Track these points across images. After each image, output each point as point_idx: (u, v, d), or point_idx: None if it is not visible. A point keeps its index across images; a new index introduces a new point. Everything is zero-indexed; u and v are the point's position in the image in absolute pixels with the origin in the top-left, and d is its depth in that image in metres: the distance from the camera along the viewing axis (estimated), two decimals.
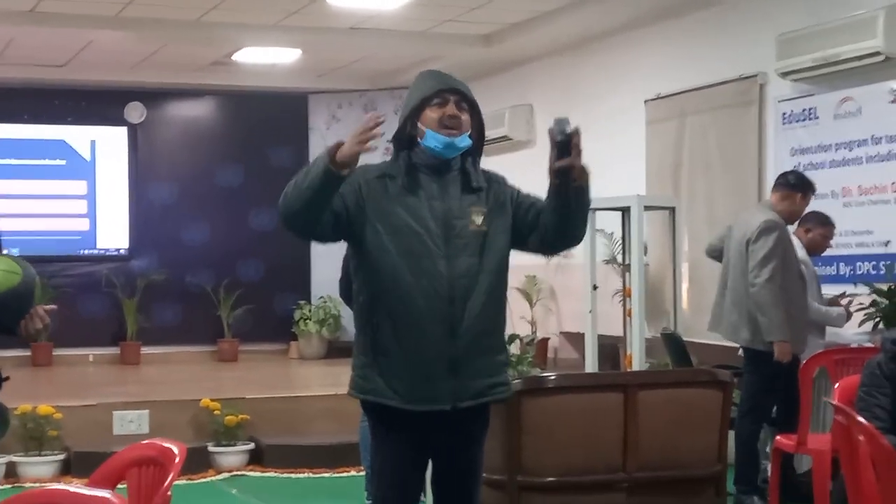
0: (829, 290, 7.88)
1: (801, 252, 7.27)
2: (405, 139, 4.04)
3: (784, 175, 7.39)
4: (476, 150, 4.07)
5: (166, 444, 3.54)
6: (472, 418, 4.03)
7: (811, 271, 7.40)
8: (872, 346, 6.75)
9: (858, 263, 8.42)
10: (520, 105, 12.43)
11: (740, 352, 7.40)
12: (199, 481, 8.57)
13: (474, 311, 3.91)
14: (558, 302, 12.07)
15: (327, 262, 12.99)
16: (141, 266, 13.95)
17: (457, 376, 3.91)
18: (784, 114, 9.03)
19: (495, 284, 3.98)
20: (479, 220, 3.96)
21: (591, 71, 11.47)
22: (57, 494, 3.35)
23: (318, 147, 14.30)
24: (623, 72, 10.97)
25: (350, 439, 8.12)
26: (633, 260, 9.47)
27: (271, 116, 14.01)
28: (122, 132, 14.03)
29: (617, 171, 9.86)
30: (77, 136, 13.91)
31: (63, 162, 13.89)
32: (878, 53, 7.99)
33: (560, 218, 3.94)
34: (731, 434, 6.58)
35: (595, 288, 9.74)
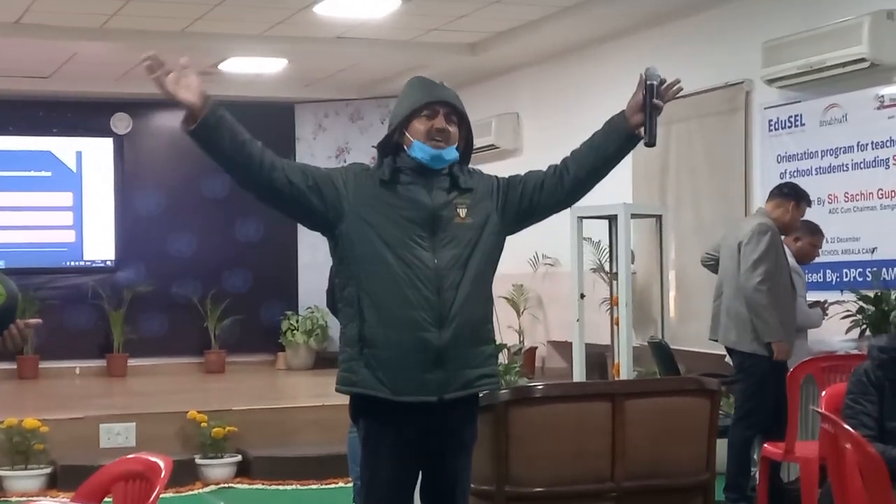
0: (815, 298, 7.88)
1: (791, 260, 7.29)
2: (391, 146, 4.03)
3: (779, 185, 7.44)
4: (464, 158, 4.08)
5: (152, 458, 3.52)
6: (462, 419, 4.02)
7: (801, 279, 7.41)
8: (859, 353, 6.76)
9: (845, 270, 8.43)
10: (506, 113, 12.43)
11: (726, 359, 7.41)
12: (186, 494, 8.55)
13: (460, 302, 3.92)
14: (545, 311, 12.06)
15: (314, 272, 13.01)
16: (127, 277, 13.91)
17: (443, 367, 3.91)
18: (770, 121, 9.04)
19: (482, 276, 3.99)
20: (463, 212, 3.98)
21: (577, 79, 11.48)
22: None
23: (304, 156, 14.32)
24: (609, 79, 10.95)
25: (338, 450, 8.10)
26: (621, 268, 9.47)
27: (258, 126, 13.64)
28: (108, 143, 13.99)
29: (603, 180, 9.84)
30: (63, 147, 13.88)
31: (49, 173, 13.85)
32: (863, 60, 8.01)
33: (603, 161, 4.12)
34: (720, 442, 6.58)
35: (582, 296, 9.74)
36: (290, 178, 3.91)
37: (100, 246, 13.98)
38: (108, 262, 14.00)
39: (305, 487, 8.74)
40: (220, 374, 13.56)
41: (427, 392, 3.91)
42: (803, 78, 8.53)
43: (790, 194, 7.20)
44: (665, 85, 4.01)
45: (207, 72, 12.69)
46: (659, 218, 9.81)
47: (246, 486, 8.85)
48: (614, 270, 9.71)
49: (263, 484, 8.85)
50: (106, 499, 3.63)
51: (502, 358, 9.41)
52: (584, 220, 9.53)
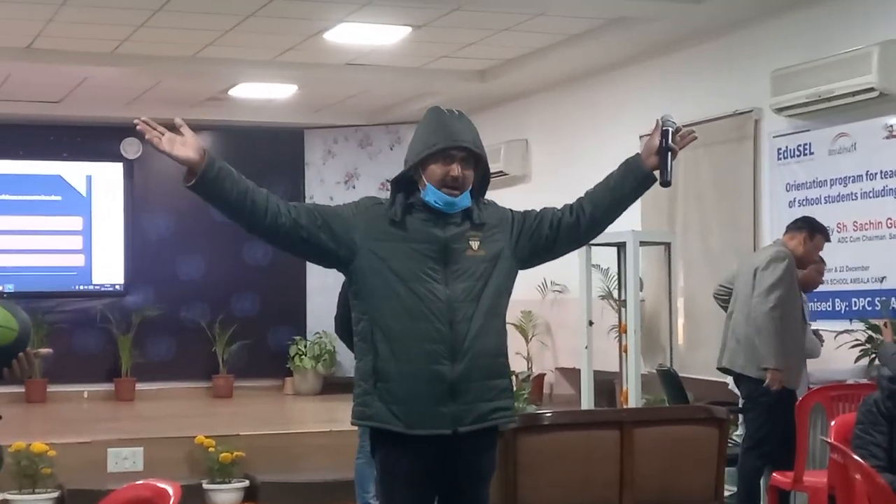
0: (824, 326, 7.88)
1: None
2: (405, 181, 4.02)
3: (796, 218, 7.46)
4: (480, 190, 4.07)
5: (161, 485, 3.51)
6: (478, 449, 4.02)
7: (806, 308, 7.42)
8: (869, 382, 6.75)
9: (854, 299, 8.42)
10: (515, 140, 12.45)
11: (730, 386, 7.40)
12: None
13: (473, 334, 3.92)
14: (554, 337, 12.05)
15: (323, 297, 13.01)
16: (136, 301, 13.93)
17: (456, 400, 3.91)
18: (779, 149, 9.05)
19: (495, 308, 3.99)
20: (476, 245, 3.97)
21: (586, 106, 11.50)
22: None
23: (313, 182, 14.36)
24: (618, 107, 10.99)
25: (346, 476, 8.08)
26: (629, 295, 9.46)
27: (267, 151, 14.00)
28: (118, 168, 14.04)
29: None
30: (73, 171, 13.92)
31: (59, 198, 13.89)
32: (872, 89, 8.02)
33: (618, 201, 4.11)
34: (728, 471, 6.56)
35: (591, 324, 9.73)
36: (298, 222, 3.91)
37: (109, 270, 14.01)
38: (117, 286, 14.02)
39: None
40: (227, 399, 13.55)
41: (441, 425, 3.91)
42: (812, 107, 8.54)
43: (803, 227, 7.22)
44: (680, 133, 4.02)
45: (217, 97, 12.76)
46: (668, 245, 9.81)
47: None
48: (623, 298, 9.70)
49: None
50: None
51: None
52: (593, 247, 9.53)
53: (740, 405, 7.26)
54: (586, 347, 9.73)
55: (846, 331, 7.85)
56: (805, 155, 8.83)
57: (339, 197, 13.92)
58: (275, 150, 14.19)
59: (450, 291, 3.91)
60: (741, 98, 9.38)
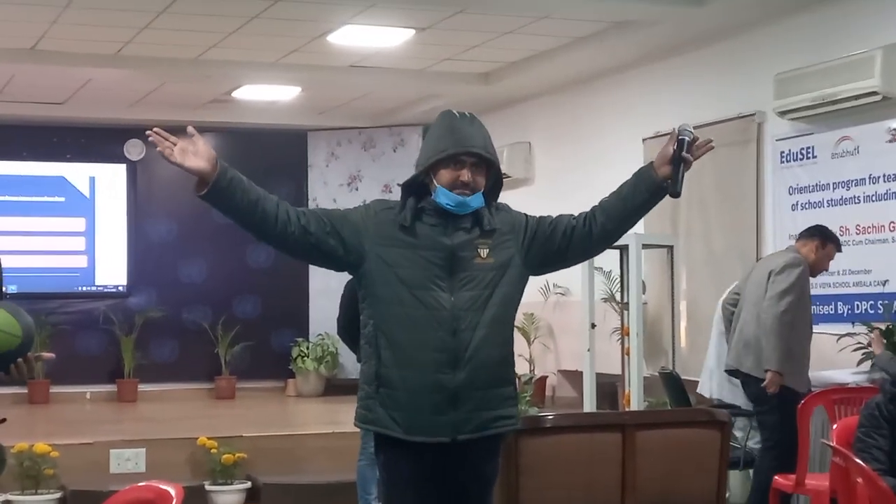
0: (827, 330, 7.88)
1: None
2: (416, 185, 4.02)
3: (810, 226, 7.50)
4: (492, 194, 4.06)
5: (164, 486, 3.52)
6: (481, 455, 4.02)
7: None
8: (870, 385, 6.75)
9: (856, 303, 8.42)
10: (518, 143, 12.46)
11: (718, 393, 7.42)
12: None
13: (476, 343, 3.91)
14: (556, 340, 12.05)
15: (325, 299, 13.00)
16: (139, 303, 13.94)
17: (457, 408, 3.91)
18: (782, 152, 9.05)
19: (500, 317, 3.98)
20: (484, 252, 3.96)
21: (589, 109, 11.51)
22: None
23: (316, 184, 14.35)
24: (621, 110, 11.00)
25: (348, 478, 8.09)
26: (632, 298, 9.46)
27: (271, 153, 14.00)
28: (121, 169, 14.05)
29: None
30: (76, 173, 13.94)
31: (62, 199, 13.91)
32: (875, 93, 8.02)
33: (630, 212, 4.04)
34: (731, 473, 6.57)
35: (593, 326, 9.73)
36: (307, 229, 3.92)
37: (112, 271, 14.02)
38: (120, 288, 14.03)
39: None
40: (230, 401, 13.56)
41: (440, 433, 3.91)
42: (815, 110, 8.54)
43: (816, 235, 7.27)
44: (696, 143, 3.97)
45: (221, 99, 12.77)
46: (670, 248, 9.81)
47: None
48: (625, 300, 9.71)
49: None
50: None
51: None
52: None
53: (745, 407, 7.28)
54: (588, 350, 9.73)
55: (848, 334, 7.85)
56: (808, 158, 8.83)
57: (342, 199, 13.93)
58: (278, 152, 14.20)
59: (454, 300, 3.90)
60: (744, 101, 9.38)
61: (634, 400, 9.29)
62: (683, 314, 9.96)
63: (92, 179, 14.01)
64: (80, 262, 13.95)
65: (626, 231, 4.17)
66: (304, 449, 9.58)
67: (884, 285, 8.20)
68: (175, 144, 3.78)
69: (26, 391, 12.78)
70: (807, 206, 8.80)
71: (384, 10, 9.25)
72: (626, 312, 9.70)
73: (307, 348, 13.93)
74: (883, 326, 7.62)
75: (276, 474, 9.21)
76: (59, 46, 10.38)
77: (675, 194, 3.99)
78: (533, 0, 9.07)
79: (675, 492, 5.64)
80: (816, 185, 8.75)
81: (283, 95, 12.70)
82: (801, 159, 8.90)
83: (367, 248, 3.95)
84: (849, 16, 8.53)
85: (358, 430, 4.18)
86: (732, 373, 7.36)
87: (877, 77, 7.96)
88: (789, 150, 8.99)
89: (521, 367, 11.54)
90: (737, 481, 7.73)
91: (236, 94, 12.49)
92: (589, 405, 9.71)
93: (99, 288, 13.97)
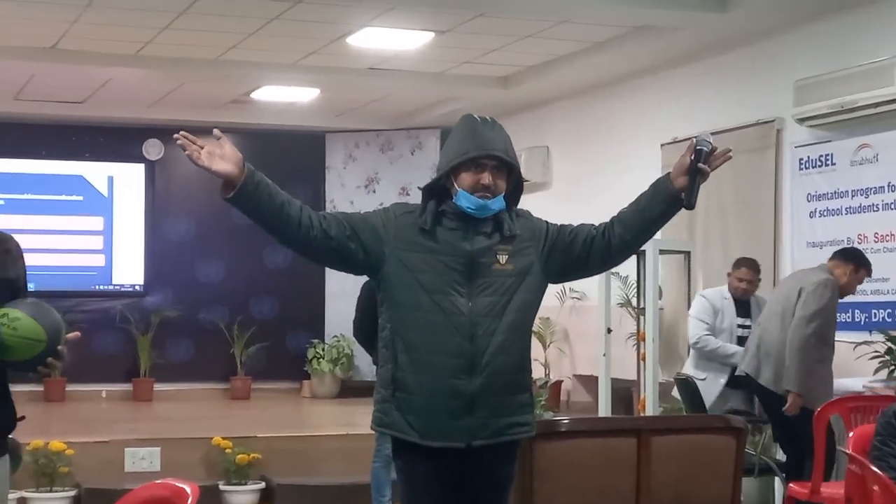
0: (844, 338, 7.85)
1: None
2: (437, 189, 4.02)
3: (843, 248, 7.55)
4: (513, 198, 4.06)
5: (179, 484, 3.53)
6: (497, 461, 4.02)
7: None
8: (888, 394, 6.73)
9: (874, 311, 8.39)
10: (536, 147, 12.45)
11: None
12: None
13: (494, 349, 3.91)
14: (572, 345, 12.04)
15: (342, 301, 13.02)
16: (155, 302, 13.97)
17: (473, 414, 3.91)
18: (801, 159, 9.03)
19: (518, 324, 3.97)
20: (504, 259, 3.95)
21: (607, 114, 11.50)
22: None
23: (334, 186, 14.37)
24: (640, 115, 10.99)
25: (362, 480, 8.10)
26: (648, 303, 9.43)
27: (289, 154, 14.01)
28: (139, 169, 14.09)
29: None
30: (95, 172, 13.99)
31: (80, 198, 13.96)
32: (895, 101, 8.00)
33: (648, 224, 4.03)
34: (745, 480, 6.56)
35: (609, 331, 9.71)
36: (328, 233, 3.92)
37: (129, 270, 14.07)
38: (137, 287, 14.07)
39: None
40: (245, 401, 13.58)
41: (455, 438, 3.92)
42: (835, 117, 8.52)
43: (851, 259, 7.26)
44: (715, 153, 3.94)
45: (240, 100, 12.79)
46: (687, 254, 9.79)
47: None
48: (641, 306, 9.67)
49: None
50: None
51: None
52: None
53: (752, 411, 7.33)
54: (604, 355, 9.71)
55: (865, 342, 7.83)
56: (827, 165, 8.81)
57: (359, 201, 13.94)
58: (296, 153, 14.22)
59: (473, 305, 3.90)
60: (763, 107, 9.36)
61: (649, 405, 9.26)
62: None
63: (110, 179, 14.06)
64: (98, 260, 13.99)
65: (644, 242, 4.17)
66: (318, 450, 9.59)
67: None
68: (202, 147, 3.76)
69: (42, 389, 12.83)
70: (825, 213, 8.78)
71: (404, 13, 9.26)
72: (642, 318, 9.66)
73: (323, 350, 13.94)
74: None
75: (291, 475, 9.22)
76: (79, 46, 10.42)
77: (690, 206, 3.97)
78: (553, 4, 9.06)
79: (690, 498, 5.63)
80: (835, 192, 8.73)
81: (302, 97, 12.72)
82: (819, 166, 8.88)
83: (387, 252, 3.95)
84: (869, 23, 8.51)
85: (372, 432, 4.19)
86: (744, 379, 7.38)
87: None
88: (808, 157, 8.97)
89: (536, 372, 11.50)
90: (751, 488, 7.70)
91: (255, 95, 12.51)
92: (604, 410, 9.69)
93: (116, 287, 14.01)
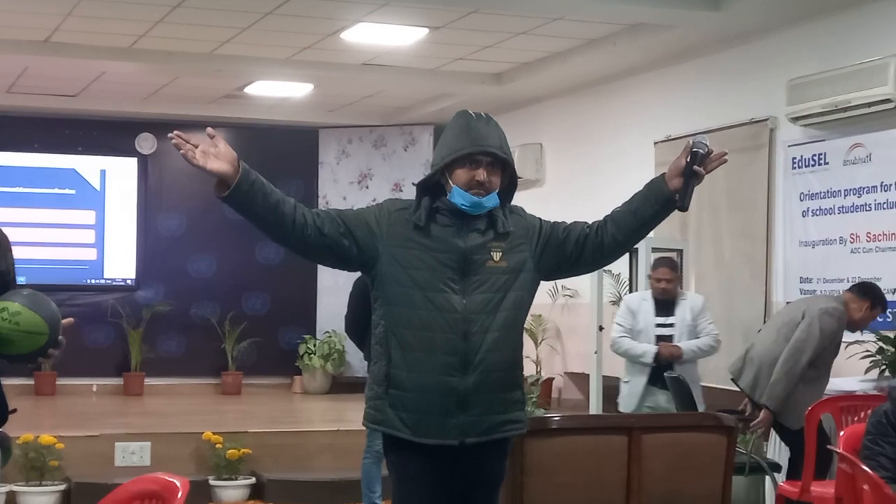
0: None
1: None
2: (431, 185, 4.01)
3: (862, 283, 7.47)
4: (506, 195, 4.06)
5: (169, 479, 3.52)
6: (488, 458, 4.03)
7: None
8: (878, 393, 6.74)
9: None
10: (529, 144, 12.45)
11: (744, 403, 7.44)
12: None
13: (487, 347, 3.91)
14: (563, 342, 12.04)
15: (333, 296, 13.02)
16: (147, 297, 13.96)
17: (466, 412, 3.91)
18: (794, 158, 9.04)
19: (512, 321, 3.97)
20: (497, 256, 3.95)
21: (601, 112, 11.50)
22: None
23: (326, 181, 14.35)
24: (633, 113, 10.99)
25: (352, 476, 8.10)
26: None
27: (282, 150, 13.99)
28: (132, 163, 14.07)
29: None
30: (87, 165, 13.96)
31: (73, 191, 13.93)
32: (888, 100, 8.01)
33: (641, 224, 4.02)
34: (735, 479, 6.57)
35: (601, 329, 9.71)
36: (321, 231, 3.91)
37: (121, 264, 14.05)
38: (129, 281, 14.06)
39: None
40: (236, 396, 13.55)
41: (448, 436, 3.92)
42: (828, 117, 8.53)
43: (868, 295, 7.18)
44: (711, 156, 3.93)
45: (233, 95, 12.78)
46: (679, 252, 9.79)
47: None
48: None
49: None
50: None
51: None
52: None
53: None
54: (596, 352, 9.72)
55: (856, 342, 7.83)
56: (820, 164, 8.82)
57: (352, 197, 13.94)
58: (289, 148, 14.20)
59: (467, 302, 3.90)
60: (757, 106, 9.37)
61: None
62: None
63: (103, 172, 14.04)
64: (90, 254, 13.97)
65: (636, 242, 4.17)
66: (309, 446, 9.59)
67: (893, 293, 8.18)
68: (197, 147, 3.74)
69: (32, 382, 12.82)
70: (818, 212, 8.78)
71: (398, 9, 9.25)
72: None
73: (314, 345, 13.94)
74: (891, 335, 7.61)
75: (281, 471, 9.22)
76: (72, 39, 10.40)
77: (683, 208, 3.96)
78: (547, 1, 9.06)
79: (680, 495, 5.63)
80: (828, 191, 8.74)
81: (296, 92, 12.71)
82: (812, 165, 8.88)
83: (381, 248, 3.94)
84: (863, 23, 8.51)
85: (363, 428, 4.18)
86: (734, 381, 7.41)
87: (890, 84, 7.95)
88: (801, 157, 8.97)
89: (528, 369, 11.53)
90: (742, 487, 7.71)
91: (249, 89, 12.50)
92: (595, 407, 9.70)
93: (107, 281, 14.00)
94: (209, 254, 14.23)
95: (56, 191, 13.88)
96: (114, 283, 14.01)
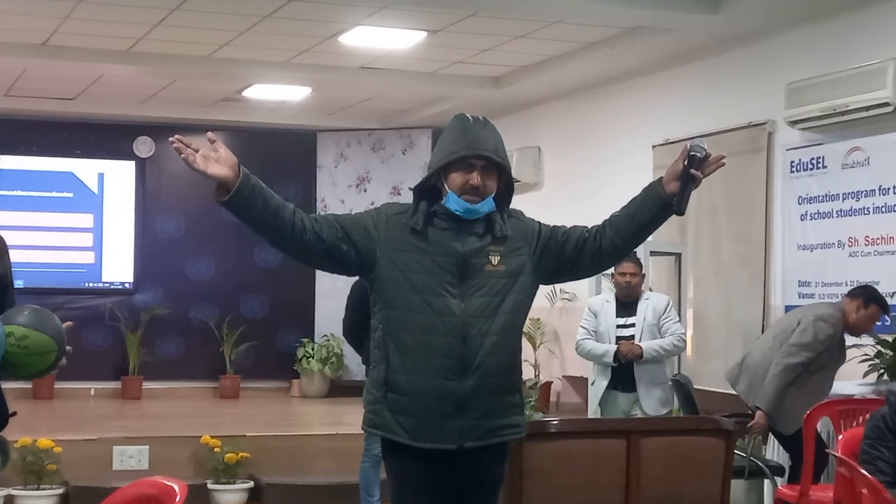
0: None
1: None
2: (428, 189, 4.00)
3: (857, 286, 7.46)
4: (504, 200, 4.05)
5: (168, 482, 3.52)
6: (487, 462, 4.02)
7: None
8: (877, 397, 6.73)
9: None
10: (528, 147, 12.45)
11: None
12: None
13: (486, 351, 3.90)
14: (562, 345, 12.03)
15: (332, 300, 13.01)
16: (145, 300, 13.95)
17: (464, 415, 3.91)
18: (792, 162, 9.04)
19: (510, 325, 3.97)
20: (496, 260, 3.95)
21: (599, 115, 11.50)
22: None
23: (325, 184, 14.35)
24: (632, 116, 10.99)
25: (351, 479, 8.09)
26: None
27: (280, 153, 13.99)
28: (130, 166, 14.07)
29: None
30: (85, 169, 13.96)
31: (70, 194, 13.93)
32: (887, 104, 8.01)
33: (639, 228, 4.01)
34: (734, 483, 6.56)
35: None
36: (319, 235, 3.90)
37: (119, 268, 14.04)
38: (127, 284, 14.05)
39: None
40: (234, 400, 13.55)
41: (446, 440, 3.91)
42: (826, 120, 8.53)
43: (859, 294, 7.16)
44: (708, 160, 3.92)
45: (231, 98, 12.77)
46: (678, 256, 9.80)
47: None
48: None
49: None
50: None
51: None
52: None
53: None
54: None
55: (855, 345, 7.82)
56: (818, 168, 8.82)
57: (350, 200, 13.93)
58: (287, 151, 14.20)
59: (465, 306, 3.90)
60: (755, 110, 9.37)
61: None
62: (690, 322, 9.93)
63: (101, 176, 14.03)
64: (88, 258, 13.97)
65: (635, 246, 4.17)
66: (307, 449, 9.58)
67: (892, 297, 8.17)
68: (197, 151, 3.73)
69: (30, 386, 12.79)
70: (816, 216, 8.78)
71: (397, 12, 9.25)
72: None
73: (312, 349, 13.93)
74: (890, 338, 7.60)
75: (279, 474, 9.21)
76: (70, 42, 10.39)
77: (680, 212, 3.95)
78: (546, 5, 9.06)
79: (679, 499, 5.63)
80: (826, 195, 8.74)
81: (294, 95, 12.70)
82: (811, 169, 8.88)
83: (379, 252, 3.94)
84: (861, 27, 8.52)
85: (362, 431, 4.18)
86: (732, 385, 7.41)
87: (888, 88, 7.95)
88: (799, 160, 8.98)
89: (526, 373, 11.50)
90: (741, 491, 7.71)
91: (247, 93, 12.49)
92: (593, 411, 9.68)
93: (105, 284, 13.99)
94: (207, 257, 14.23)
95: (54, 194, 13.87)
96: (112, 287, 14.00)
